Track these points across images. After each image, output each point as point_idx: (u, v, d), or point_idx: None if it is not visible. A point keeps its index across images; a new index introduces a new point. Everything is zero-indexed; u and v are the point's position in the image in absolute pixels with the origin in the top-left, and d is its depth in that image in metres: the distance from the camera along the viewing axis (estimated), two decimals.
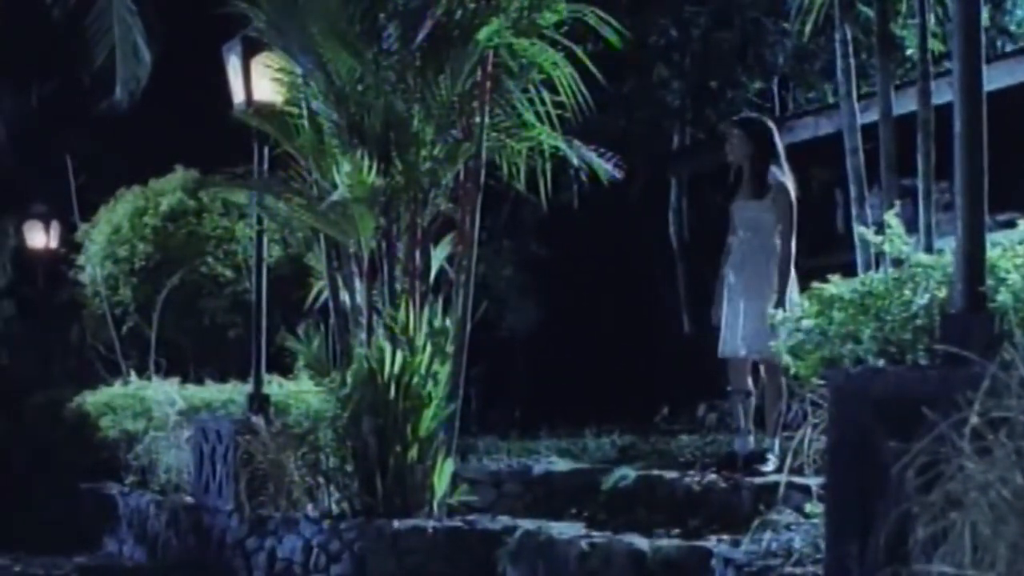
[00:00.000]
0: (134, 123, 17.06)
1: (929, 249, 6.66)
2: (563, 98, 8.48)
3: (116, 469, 11.05)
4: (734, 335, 7.93)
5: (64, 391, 13.19)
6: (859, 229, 7.62)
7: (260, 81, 9.06)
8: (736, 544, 5.72)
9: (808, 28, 9.65)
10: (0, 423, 15.49)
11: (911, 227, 6.48)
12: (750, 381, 8.02)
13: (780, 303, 7.38)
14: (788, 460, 5.31)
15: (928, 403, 3.64)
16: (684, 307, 16.83)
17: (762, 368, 7.87)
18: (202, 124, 12.53)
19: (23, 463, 13.20)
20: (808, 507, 5.34)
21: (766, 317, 6.73)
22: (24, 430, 13.72)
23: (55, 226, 18.23)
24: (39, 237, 18.60)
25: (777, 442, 7.59)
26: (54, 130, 18.53)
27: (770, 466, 7.47)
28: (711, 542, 6.22)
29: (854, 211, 8.61)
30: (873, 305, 4.69)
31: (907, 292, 4.60)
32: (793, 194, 7.95)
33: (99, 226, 14.11)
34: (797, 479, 5.58)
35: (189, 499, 9.49)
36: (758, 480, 7.08)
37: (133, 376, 12.25)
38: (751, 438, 7.94)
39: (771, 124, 8.35)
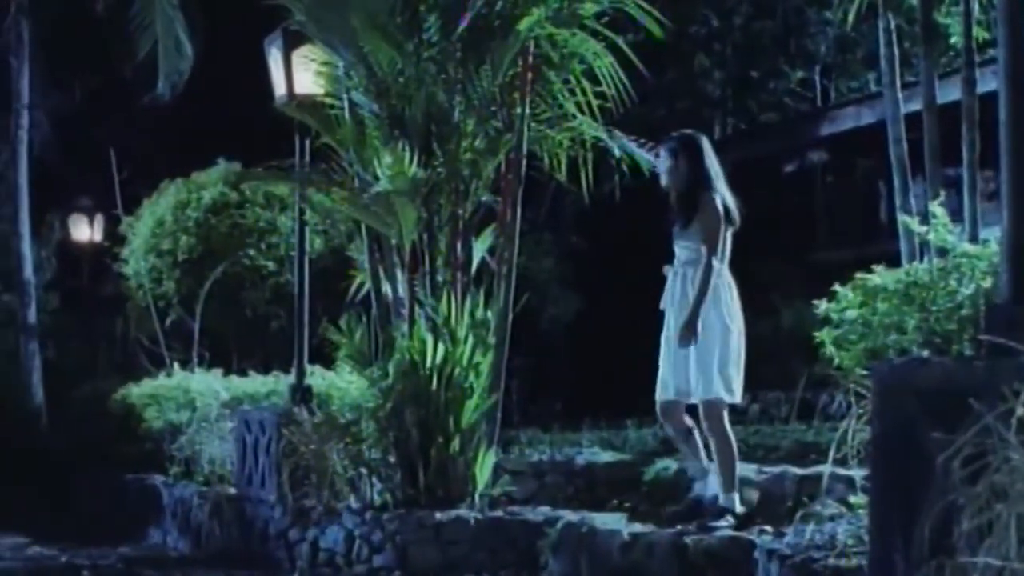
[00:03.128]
0: (177, 116, 17.17)
1: (974, 239, 6.61)
2: (604, 88, 8.45)
3: (160, 460, 11.11)
4: (666, 377, 6.82)
5: (109, 383, 13.26)
6: (903, 219, 7.57)
7: (301, 74, 9.08)
8: (779, 536, 5.70)
9: (851, 17, 9.60)
10: (47, 415, 15.65)
11: (956, 217, 6.43)
12: (687, 419, 6.87)
13: (689, 326, 6.58)
14: (832, 452, 5.26)
15: (974, 394, 3.61)
16: None
17: (701, 414, 6.68)
18: (244, 117, 12.59)
19: (69, 454, 13.30)
20: (852, 499, 5.31)
21: (704, 357, 6.57)
22: (70, 422, 13.83)
23: (99, 219, 18.37)
24: (83, 230, 18.75)
25: (736, 497, 6.64)
26: (98, 124, 18.65)
27: (724, 523, 6.52)
28: (754, 534, 6.19)
29: (898, 201, 8.56)
30: (918, 295, 4.67)
31: (952, 282, 4.58)
32: (721, 209, 6.74)
33: (142, 219, 14.20)
34: (841, 470, 5.53)
35: (232, 490, 9.53)
36: (801, 471, 7.03)
37: (177, 368, 12.32)
38: (712, 478, 6.81)
39: (705, 141, 7.08)
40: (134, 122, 18.24)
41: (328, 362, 10.19)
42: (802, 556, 4.89)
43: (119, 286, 14.84)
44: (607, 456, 8.70)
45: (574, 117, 8.61)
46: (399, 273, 8.42)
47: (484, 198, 8.47)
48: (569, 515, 7.21)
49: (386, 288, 8.53)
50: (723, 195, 6.83)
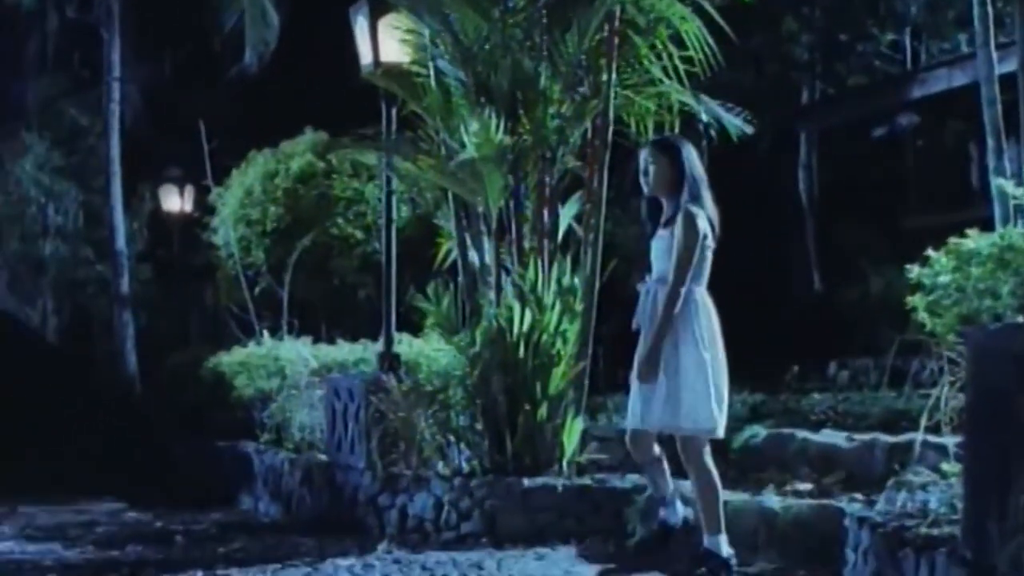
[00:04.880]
0: (264, 86, 17.31)
1: None
2: (691, 53, 8.39)
3: (251, 427, 11.23)
4: (635, 404, 6.17)
5: (200, 351, 13.45)
6: (997, 182, 7.43)
7: (387, 42, 9.09)
8: (870, 504, 5.66)
9: None
10: (140, 383, 15.91)
11: None
12: (656, 448, 6.38)
13: (648, 361, 5.97)
14: (923, 419, 5.18)
15: None
16: (814, 264, 16.63)
17: (678, 447, 6.13)
18: (330, 86, 12.65)
19: (162, 422, 13.51)
20: (945, 466, 5.25)
21: (675, 391, 5.93)
22: (162, 390, 14.04)
23: (189, 190, 18.59)
24: (174, 201, 18.99)
25: (723, 539, 5.95)
26: (187, 96, 18.85)
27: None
28: (844, 501, 6.14)
29: (991, 164, 8.39)
30: (1013, 260, 4.58)
31: None
32: (705, 227, 6.06)
33: (231, 189, 14.33)
34: (933, 438, 5.47)
35: (322, 457, 9.62)
36: (892, 439, 6.96)
37: (267, 336, 12.45)
38: (678, 503, 6.48)
39: (691, 147, 6.37)
40: (222, 93, 18.40)
41: (416, 330, 10.24)
42: (894, 524, 4.85)
43: (209, 256, 15.01)
44: None
45: (660, 82, 8.55)
46: (486, 240, 8.43)
47: (570, 165, 8.45)
48: None
49: (473, 256, 8.54)
50: (708, 210, 6.14)
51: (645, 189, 6.28)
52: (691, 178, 6.14)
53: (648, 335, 6.05)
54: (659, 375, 5.94)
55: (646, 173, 6.22)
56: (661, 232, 6.19)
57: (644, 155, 6.30)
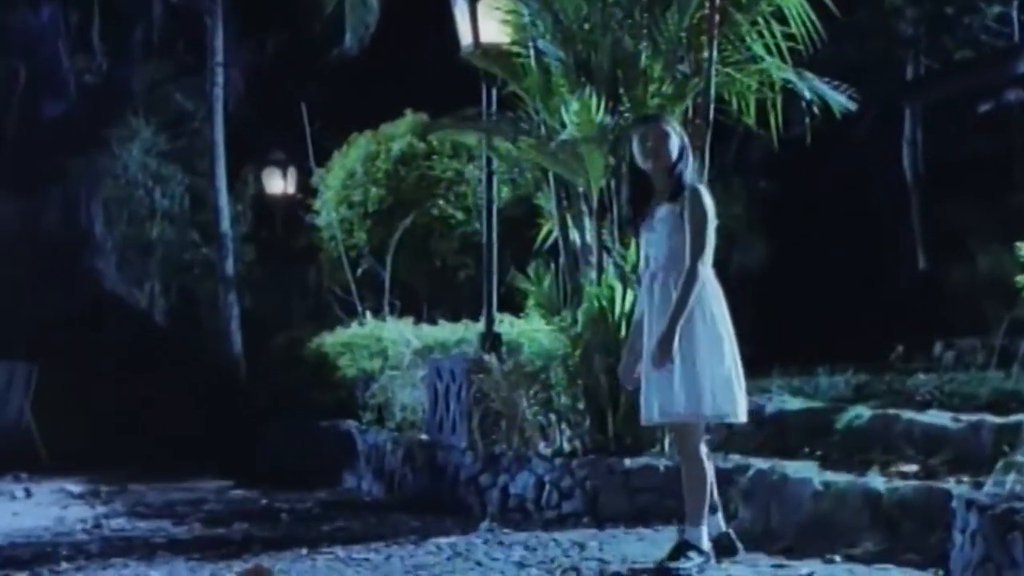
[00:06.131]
0: (364, 69, 17.40)
1: None
2: (793, 29, 8.29)
3: (353, 407, 11.34)
4: (650, 395, 5.97)
5: (303, 332, 13.59)
6: None
7: (487, 23, 9.11)
8: (978, 486, 5.57)
9: None
10: (245, 363, 16.12)
11: None
12: (704, 448, 6.10)
13: (665, 343, 5.75)
14: None
15: None
16: (919, 242, 16.39)
17: (675, 433, 6.10)
18: (430, 68, 12.68)
19: (266, 401, 13.69)
20: None
21: (698, 367, 5.76)
22: (267, 370, 14.22)
23: (292, 172, 18.76)
24: (277, 183, 19.17)
25: (704, 532, 5.89)
26: (288, 79, 19.02)
27: (691, 566, 5.81)
28: (950, 483, 6.05)
29: None
30: None
31: None
32: (709, 200, 5.94)
33: (333, 171, 14.45)
34: None
35: (424, 436, 9.69)
36: (1000, 420, 6.84)
37: (369, 317, 12.55)
38: (719, 516, 6.22)
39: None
40: (323, 76, 18.53)
41: (517, 310, 10.25)
42: (1003, 507, 4.77)
43: (311, 237, 15.16)
44: (797, 403, 8.59)
45: (762, 59, 8.46)
46: (587, 220, 8.41)
47: None
48: (759, 463, 7.16)
49: (574, 236, 8.54)
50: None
51: (645, 166, 6.07)
52: (689, 152, 6.06)
53: (659, 320, 5.84)
54: (675, 360, 5.76)
55: (647, 153, 6.03)
56: (661, 214, 5.98)
57: (642, 131, 6.11)
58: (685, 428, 5.92)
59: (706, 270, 5.88)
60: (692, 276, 5.78)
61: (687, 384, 5.79)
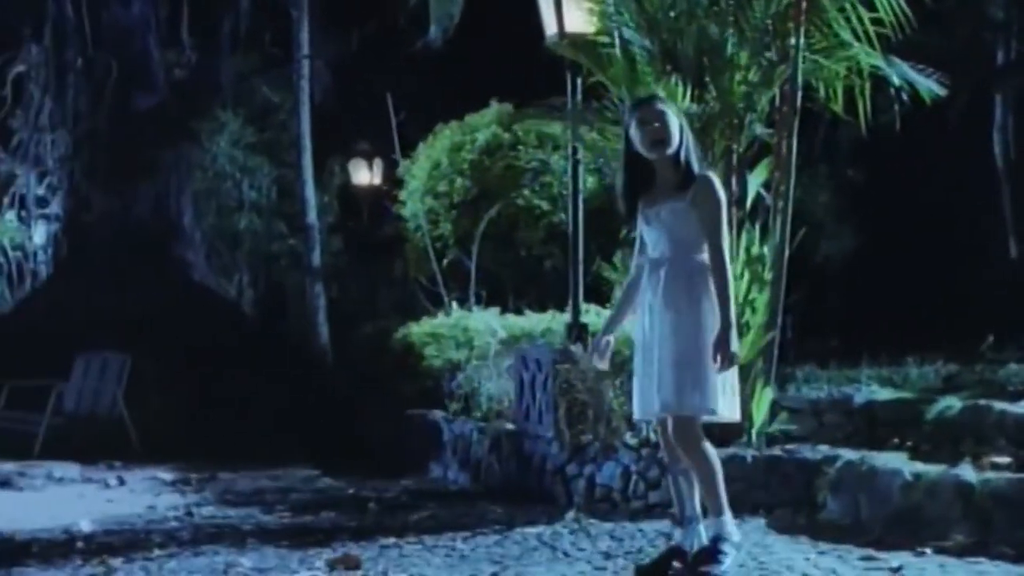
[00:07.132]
0: (449, 60, 17.47)
1: None
2: (881, 15, 8.18)
3: (440, 397, 11.38)
4: (648, 388, 5.72)
5: (389, 322, 13.68)
6: None
7: (572, 12, 9.10)
8: None
9: None
10: (332, 353, 16.27)
11: None
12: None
13: (724, 343, 5.48)
14: None
15: None
16: (1010, 230, 16.15)
17: (670, 427, 5.68)
18: (515, 58, 12.71)
19: (353, 391, 13.79)
20: None
21: (690, 362, 5.53)
22: (353, 360, 14.33)
23: (378, 163, 18.92)
24: (363, 174, 19.34)
25: (728, 520, 5.70)
26: (374, 71, 19.14)
27: (727, 561, 5.59)
28: None
29: None
30: None
31: None
32: (720, 188, 5.70)
33: (419, 162, 14.52)
34: None
35: (510, 426, 9.71)
36: None
37: (455, 307, 12.59)
38: (701, 528, 5.78)
39: None
40: (408, 67, 18.63)
41: (602, 300, 10.25)
42: None
43: (397, 228, 15.25)
44: (887, 394, 8.48)
45: (850, 45, 8.35)
46: None
47: (758, 131, 8.33)
48: (848, 454, 7.09)
49: None
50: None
51: (653, 153, 5.73)
52: (690, 136, 5.79)
53: (664, 312, 5.63)
54: (737, 359, 5.57)
55: (652, 139, 5.70)
56: (669, 204, 5.68)
57: (647, 114, 5.76)
58: (690, 423, 5.66)
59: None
60: (722, 264, 5.58)
61: (695, 377, 5.57)
